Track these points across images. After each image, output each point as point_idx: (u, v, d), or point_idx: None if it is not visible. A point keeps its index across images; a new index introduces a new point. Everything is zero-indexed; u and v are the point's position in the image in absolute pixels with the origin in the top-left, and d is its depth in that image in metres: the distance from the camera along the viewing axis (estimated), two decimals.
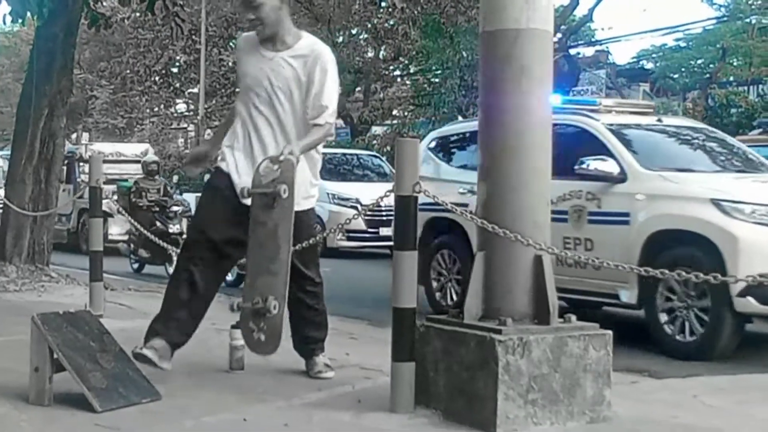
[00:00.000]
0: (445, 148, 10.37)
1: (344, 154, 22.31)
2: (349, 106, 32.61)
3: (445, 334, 4.13)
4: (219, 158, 4.92)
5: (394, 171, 4.35)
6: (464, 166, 9.26)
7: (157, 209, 11.68)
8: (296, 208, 4.55)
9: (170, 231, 11.69)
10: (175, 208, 12.73)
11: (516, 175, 4.17)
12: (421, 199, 8.61)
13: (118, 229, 16.68)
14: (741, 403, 4.61)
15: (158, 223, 11.92)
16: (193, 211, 11.43)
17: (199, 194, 5.19)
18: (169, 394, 4.42)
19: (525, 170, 4.18)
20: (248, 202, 4.60)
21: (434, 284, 9.29)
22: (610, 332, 4.15)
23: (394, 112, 34.29)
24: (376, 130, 33.76)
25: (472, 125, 9.55)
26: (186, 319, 4.73)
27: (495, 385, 3.82)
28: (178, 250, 5.06)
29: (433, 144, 10.42)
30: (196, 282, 4.73)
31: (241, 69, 5.07)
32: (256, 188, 4.51)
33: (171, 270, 11.71)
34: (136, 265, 13.33)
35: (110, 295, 8.01)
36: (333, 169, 19.77)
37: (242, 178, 4.71)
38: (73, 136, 31.88)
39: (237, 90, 4.97)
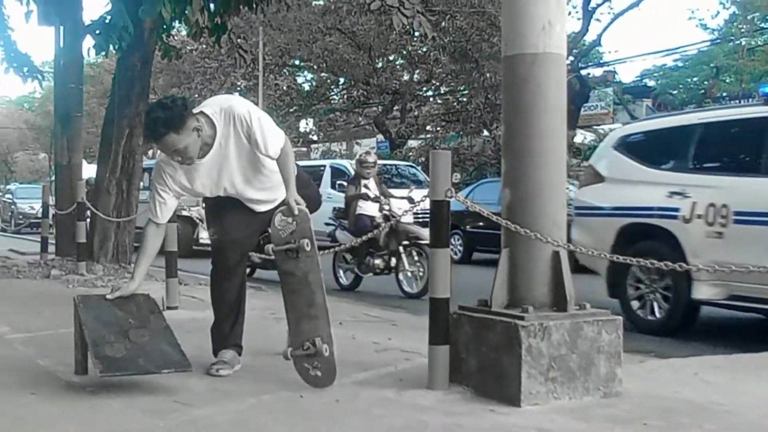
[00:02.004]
0: (639, 147, 8.12)
1: (384, 164, 22.35)
2: (387, 123, 32.67)
3: (475, 321, 4.12)
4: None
5: (428, 179, 4.34)
6: (670, 166, 7.52)
7: None
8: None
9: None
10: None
11: (536, 181, 4.16)
12: (612, 203, 7.64)
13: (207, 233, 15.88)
14: (736, 380, 4.57)
15: (269, 230, 10.99)
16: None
17: None
18: (234, 375, 4.48)
19: (544, 177, 4.17)
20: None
21: (633, 297, 7.30)
22: (620, 318, 4.13)
23: (428, 127, 34.27)
24: (412, 143, 33.77)
25: (671, 121, 8.53)
26: (239, 319, 4.71)
27: (519, 364, 3.82)
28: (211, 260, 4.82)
29: (621, 143, 8.24)
30: (235, 284, 4.72)
31: (184, 182, 4.46)
32: (278, 245, 4.29)
33: None
34: (247, 270, 12.29)
35: (184, 290, 8.06)
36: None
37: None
38: (150, 152, 32.14)
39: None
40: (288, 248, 4.24)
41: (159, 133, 4.15)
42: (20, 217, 30.21)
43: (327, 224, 16.97)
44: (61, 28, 12.36)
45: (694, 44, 31.64)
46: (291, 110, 35.25)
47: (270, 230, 4.42)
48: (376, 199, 9.86)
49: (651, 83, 34.77)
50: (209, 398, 4.00)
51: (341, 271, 10.81)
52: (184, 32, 11.60)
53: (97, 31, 11.01)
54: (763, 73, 26.50)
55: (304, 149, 39.72)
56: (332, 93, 36.85)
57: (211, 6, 9.41)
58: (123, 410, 3.77)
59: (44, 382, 4.31)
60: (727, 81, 29.23)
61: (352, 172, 19.56)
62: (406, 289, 9.65)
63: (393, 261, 9.81)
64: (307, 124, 40.17)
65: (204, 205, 5.03)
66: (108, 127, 11.34)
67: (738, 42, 28.68)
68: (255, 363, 4.73)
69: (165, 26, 11.25)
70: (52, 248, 12.65)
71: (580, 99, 27.78)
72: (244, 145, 4.35)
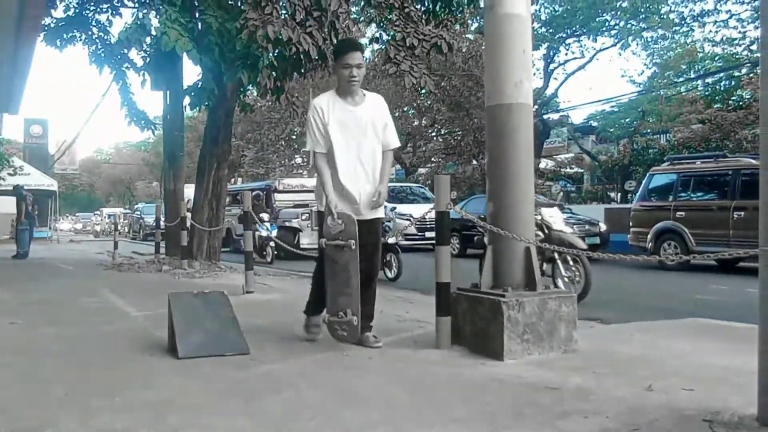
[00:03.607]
0: None
1: (401, 186, 22.45)
2: (403, 156, 32.69)
3: (469, 298, 4.13)
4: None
5: (434, 196, 4.33)
6: None
7: None
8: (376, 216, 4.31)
9: (389, 242, 9.37)
10: (387, 224, 10.22)
11: (512, 197, 4.17)
12: None
13: (307, 240, 14.61)
14: (660, 339, 4.54)
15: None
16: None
17: None
18: (295, 340, 4.51)
19: (517, 194, 4.17)
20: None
21: None
22: (575, 294, 4.13)
23: (432, 159, 34.25)
24: (421, 170, 33.81)
25: None
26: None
27: (501, 329, 3.82)
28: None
29: None
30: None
31: (331, 116, 4.20)
32: (329, 240, 4.11)
33: (390, 274, 9.69)
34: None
35: (258, 279, 8.10)
36: (395, 196, 20.03)
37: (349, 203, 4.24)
38: (232, 180, 32.38)
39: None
40: (336, 244, 4.11)
41: (357, 46, 4.27)
42: (146, 228, 30.49)
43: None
44: (167, 92, 12.52)
45: (626, 95, 31.34)
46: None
47: (323, 228, 4.19)
48: None
49: (594, 123, 34.44)
50: (278, 357, 4.02)
51: None
52: (255, 93, 11.67)
53: (193, 93, 11.13)
54: (677, 114, 26.24)
55: None
56: None
57: (274, 74, 9.45)
58: (217, 365, 3.80)
59: (159, 346, 4.35)
60: (651, 121, 28.96)
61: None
62: None
63: (545, 266, 7.30)
64: None
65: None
66: (202, 162, 11.44)
67: (658, 92, 28.47)
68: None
69: (242, 89, 11.34)
70: (163, 250, 12.78)
71: (543, 136, 27.80)
72: (376, 126, 4.26)
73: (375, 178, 4.27)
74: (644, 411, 2.92)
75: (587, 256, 6.72)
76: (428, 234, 13.93)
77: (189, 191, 13.79)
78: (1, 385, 3.43)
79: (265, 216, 13.98)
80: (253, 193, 14.69)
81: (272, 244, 9.37)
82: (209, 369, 3.72)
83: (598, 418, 2.83)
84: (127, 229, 35.04)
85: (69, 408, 3.02)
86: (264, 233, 13.55)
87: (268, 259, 13.80)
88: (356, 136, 4.20)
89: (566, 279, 7.07)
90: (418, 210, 16.16)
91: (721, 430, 2.66)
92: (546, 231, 7.08)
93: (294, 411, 2.96)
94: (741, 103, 23.85)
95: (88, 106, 72.03)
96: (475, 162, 29.50)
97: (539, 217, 7.17)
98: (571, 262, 7.07)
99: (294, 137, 34.17)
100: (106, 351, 4.27)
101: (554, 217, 7.22)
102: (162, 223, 12.91)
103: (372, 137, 4.23)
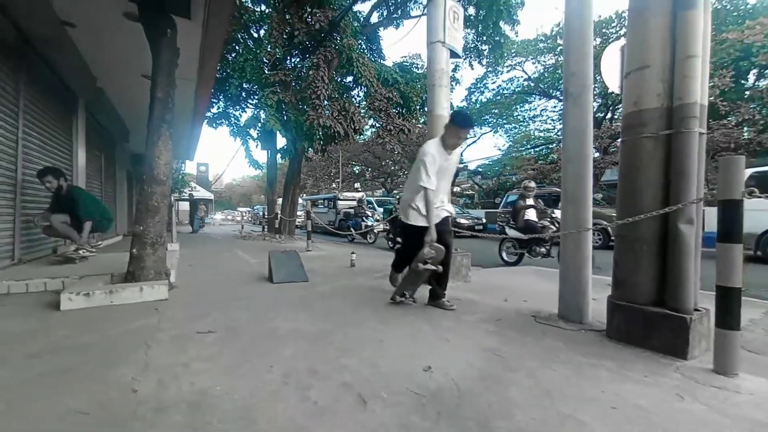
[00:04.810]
0: None
1: (383, 199, 21.96)
2: (387, 183, 32.44)
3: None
4: (413, 214, 3.08)
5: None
6: None
7: None
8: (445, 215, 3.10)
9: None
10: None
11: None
12: None
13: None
14: (514, 277, 4.46)
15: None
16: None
17: None
18: (330, 276, 4.33)
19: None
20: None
21: None
22: (470, 253, 4.10)
23: (400, 186, 33.98)
24: (395, 192, 33.49)
25: None
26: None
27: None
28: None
29: None
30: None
31: (437, 163, 2.99)
32: (422, 262, 2.95)
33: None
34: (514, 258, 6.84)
35: (313, 244, 7.99)
36: (380, 205, 19.15)
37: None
38: (302, 195, 32.01)
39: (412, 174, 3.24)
40: (427, 268, 2.96)
41: (473, 125, 3.08)
42: (259, 218, 30.00)
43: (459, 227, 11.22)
44: (269, 150, 12.39)
45: (495, 156, 31.49)
46: (351, 180, 35.14)
47: (420, 252, 2.97)
48: (541, 211, 6.01)
49: (481, 169, 34.53)
50: (323, 283, 3.92)
51: (504, 254, 6.33)
52: (312, 151, 11.55)
53: (281, 151, 11.00)
54: (520, 165, 26.26)
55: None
56: (366, 172, 36.68)
57: (321, 142, 9.41)
58: (292, 287, 3.72)
59: (263, 277, 4.25)
60: (508, 168, 29.07)
61: (376, 203, 16.63)
62: None
63: (553, 251, 5.67)
64: (357, 184, 39.92)
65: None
66: (285, 187, 11.29)
67: (512, 155, 28.67)
68: (340, 272, 4.69)
69: (306, 150, 11.25)
70: (266, 229, 12.55)
71: (455, 176, 27.67)
72: (453, 169, 3.15)
73: (445, 202, 3.18)
74: (502, 311, 2.93)
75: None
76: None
77: (279, 200, 13.64)
78: (183, 296, 3.39)
79: (369, 212, 11.99)
80: (358, 198, 12.69)
81: (375, 231, 7.73)
82: (288, 289, 3.66)
83: (479, 314, 2.85)
84: (250, 219, 34.65)
85: (218, 307, 3.00)
86: (370, 223, 11.12)
87: (371, 241, 10.58)
88: (446, 176, 3.12)
89: None
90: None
91: (541, 321, 2.69)
92: (557, 225, 5.84)
93: (330, 310, 2.94)
94: (552, 162, 24.05)
95: (229, 155, 70.72)
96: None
97: (555, 215, 5.82)
98: None
99: (332, 174, 33.80)
100: (237, 280, 4.18)
101: None
102: (265, 215, 12.74)
103: (450, 176, 3.16)
